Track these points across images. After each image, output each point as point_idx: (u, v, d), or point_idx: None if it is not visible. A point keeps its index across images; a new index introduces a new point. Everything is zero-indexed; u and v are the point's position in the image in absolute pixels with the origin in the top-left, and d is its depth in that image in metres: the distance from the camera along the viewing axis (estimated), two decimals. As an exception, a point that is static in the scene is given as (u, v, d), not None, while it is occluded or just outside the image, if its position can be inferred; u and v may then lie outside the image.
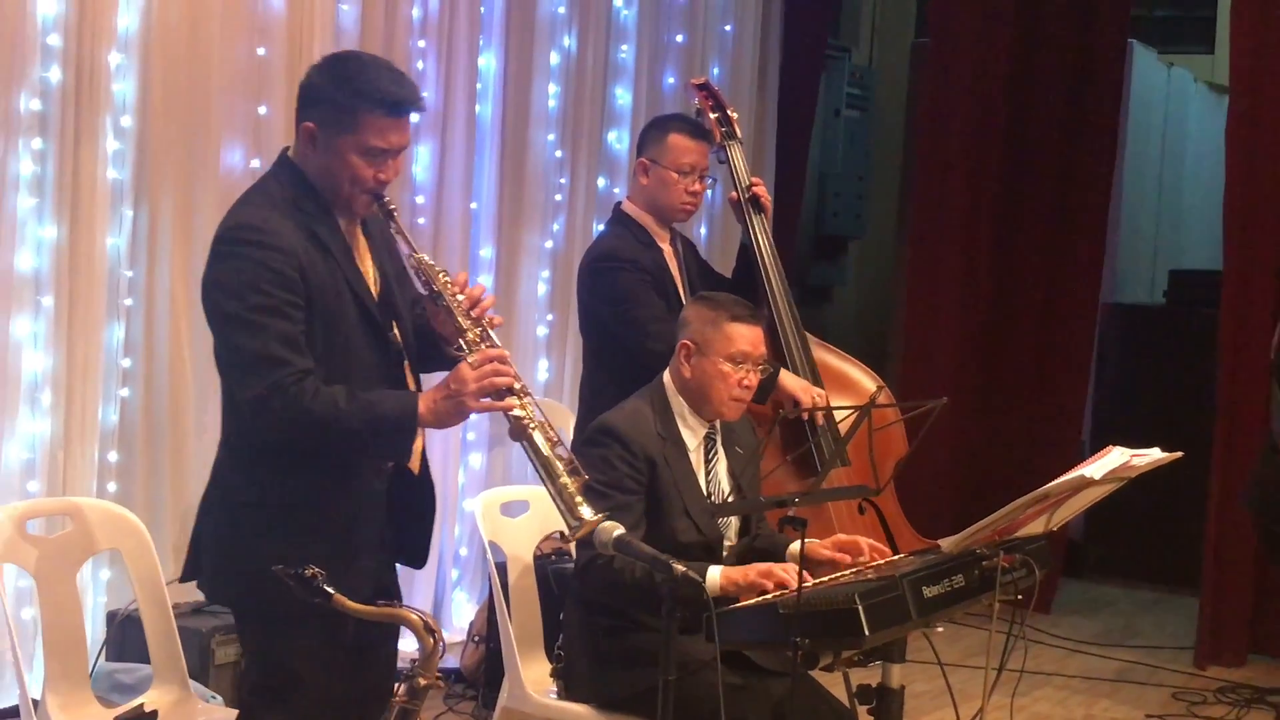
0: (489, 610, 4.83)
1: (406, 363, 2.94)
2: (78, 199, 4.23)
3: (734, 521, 3.52)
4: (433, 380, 2.86)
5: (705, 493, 3.46)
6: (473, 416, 2.87)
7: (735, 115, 4.45)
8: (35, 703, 3.26)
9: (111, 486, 4.39)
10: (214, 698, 3.86)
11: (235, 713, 3.52)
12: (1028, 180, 7.02)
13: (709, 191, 4.30)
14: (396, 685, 2.75)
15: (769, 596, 3.06)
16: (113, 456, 4.42)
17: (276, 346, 2.68)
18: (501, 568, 3.83)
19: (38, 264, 4.19)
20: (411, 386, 2.94)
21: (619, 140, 6.36)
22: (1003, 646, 3.27)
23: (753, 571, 3.18)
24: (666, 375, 3.51)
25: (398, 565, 3.06)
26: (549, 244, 6.06)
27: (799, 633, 2.82)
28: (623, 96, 6.37)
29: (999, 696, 3.50)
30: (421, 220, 5.43)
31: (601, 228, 4.79)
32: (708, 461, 3.50)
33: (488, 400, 2.72)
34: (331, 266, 2.80)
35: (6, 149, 4.08)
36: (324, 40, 4.88)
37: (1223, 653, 6.03)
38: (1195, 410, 6.72)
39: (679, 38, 6.62)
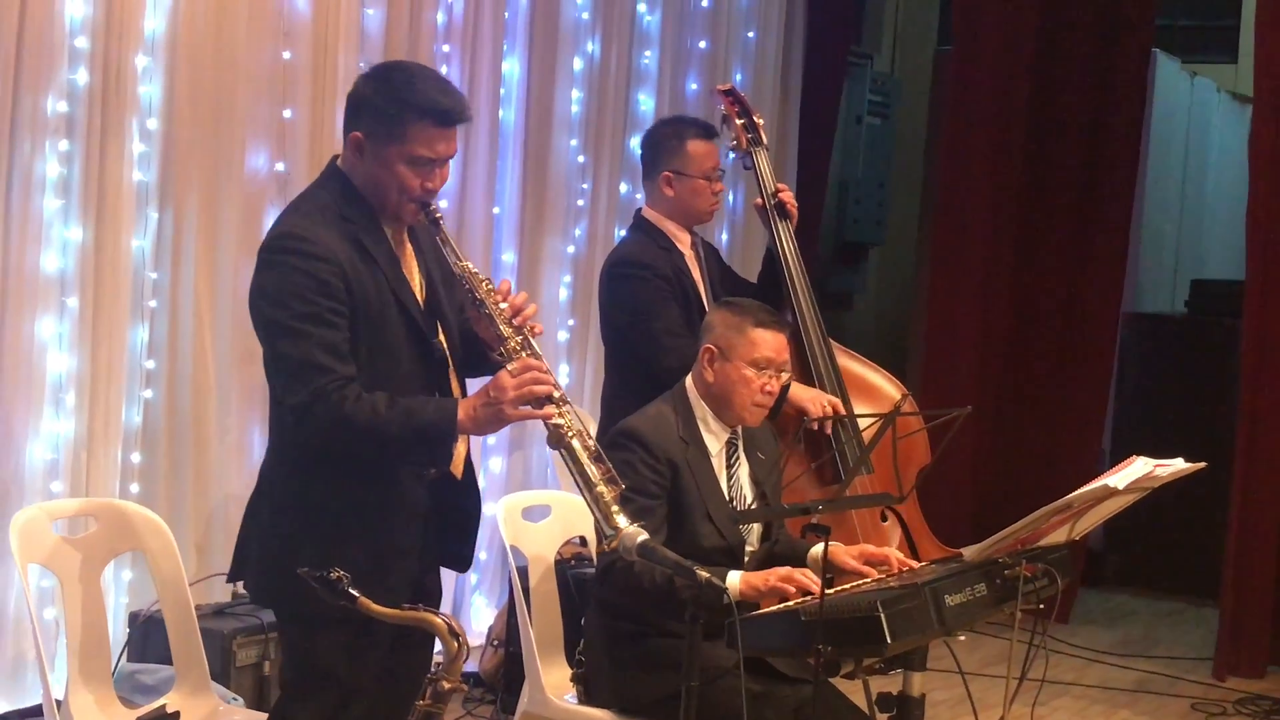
0: (508, 614, 4.83)
1: (451, 369, 2.97)
2: (103, 201, 4.25)
3: (756, 527, 3.52)
4: (477, 385, 2.89)
5: (727, 497, 3.46)
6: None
7: (761, 121, 4.45)
8: (58, 703, 3.27)
9: (134, 487, 4.41)
10: (235, 699, 3.87)
11: (256, 714, 3.55)
12: (1049, 189, 7.01)
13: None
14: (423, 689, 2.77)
15: (791, 604, 3.05)
16: (136, 457, 4.43)
17: (319, 354, 2.72)
18: (523, 572, 3.83)
19: (63, 265, 4.21)
20: (456, 392, 2.97)
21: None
22: (1024, 656, 3.26)
23: (773, 576, 3.18)
24: (689, 380, 3.51)
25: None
26: (571, 249, 6.06)
27: (821, 640, 2.81)
28: (645, 102, 6.37)
29: (1018, 706, 3.49)
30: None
31: (623, 233, 4.80)
32: (729, 466, 3.50)
33: (527, 408, 2.76)
34: (377, 275, 2.84)
35: (33, 150, 4.10)
36: (348, 44, 4.90)
37: (1242, 664, 6.01)
38: (1216, 420, 6.70)
39: (702, 44, 6.62)
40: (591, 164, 6.13)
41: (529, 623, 3.73)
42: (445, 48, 5.37)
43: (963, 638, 3.13)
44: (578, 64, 6.01)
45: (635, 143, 6.35)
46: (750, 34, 6.87)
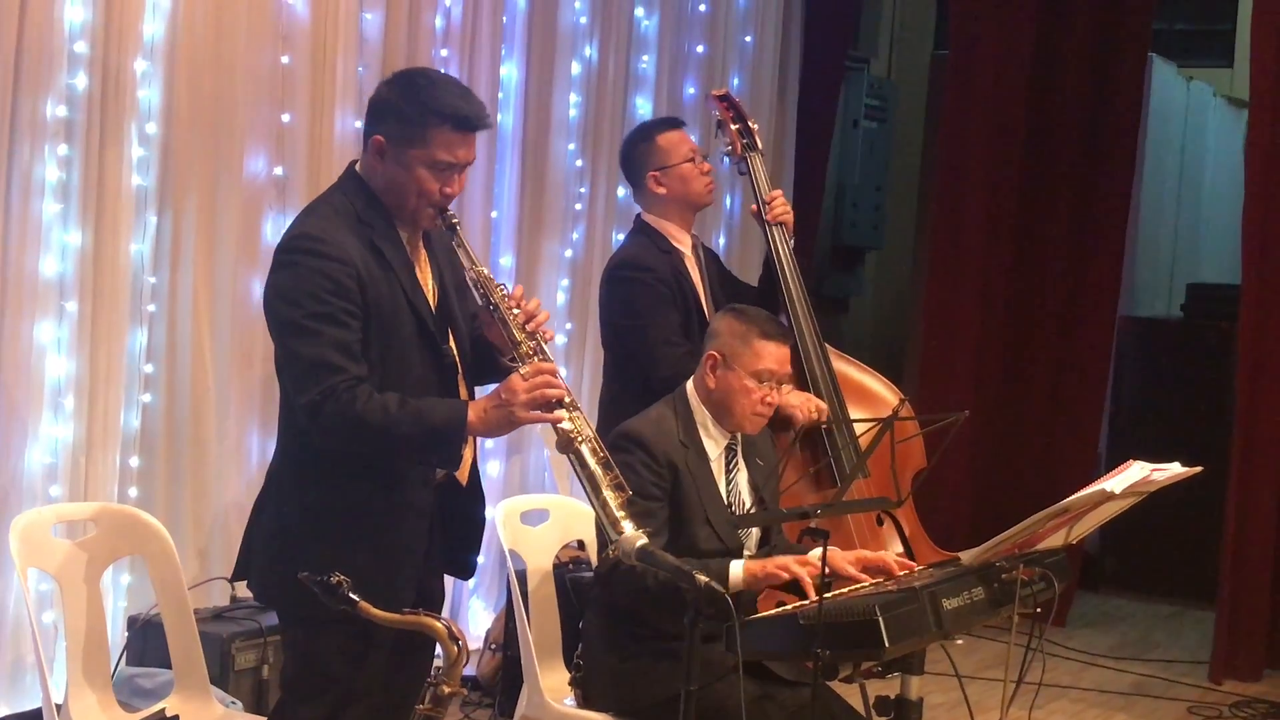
0: (506, 618, 4.84)
1: (461, 374, 2.99)
2: (102, 205, 4.26)
3: (754, 532, 3.53)
4: (486, 391, 2.92)
5: (726, 502, 3.47)
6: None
7: (756, 126, 4.45)
8: (58, 706, 3.28)
9: (133, 491, 4.41)
10: (234, 703, 3.87)
11: (255, 718, 3.56)
12: (1046, 193, 7.03)
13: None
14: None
15: (790, 607, 3.07)
16: (134, 461, 4.44)
17: (332, 353, 2.75)
18: (521, 576, 3.84)
19: (62, 269, 4.21)
20: (465, 398, 2.99)
21: (639, 150, 6.36)
22: (1021, 659, 3.27)
23: (771, 564, 3.25)
24: (690, 384, 3.52)
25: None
26: (569, 253, 6.07)
27: (819, 644, 2.82)
28: (643, 106, 6.38)
29: (1015, 709, 3.50)
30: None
31: (621, 237, 4.81)
32: (728, 471, 3.51)
33: (538, 412, 2.77)
34: (390, 279, 2.86)
35: (33, 155, 4.11)
36: (347, 49, 4.91)
37: (1239, 667, 6.02)
38: (1212, 423, 6.72)
39: (699, 48, 6.63)
40: (589, 168, 6.14)
41: (527, 626, 3.73)
42: (444, 52, 5.38)
43: (960, 641, 3.15)
44: (576, 68, 6.02)
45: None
46: (748, 38, 6.89)
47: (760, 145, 4.43)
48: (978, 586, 3.08)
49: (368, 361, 2.81)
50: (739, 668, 2.83)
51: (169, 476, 4.54)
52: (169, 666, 3.50)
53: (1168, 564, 7.38)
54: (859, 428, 4.07)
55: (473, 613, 5.70)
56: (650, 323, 4.07)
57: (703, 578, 2.63)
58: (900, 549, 4.21)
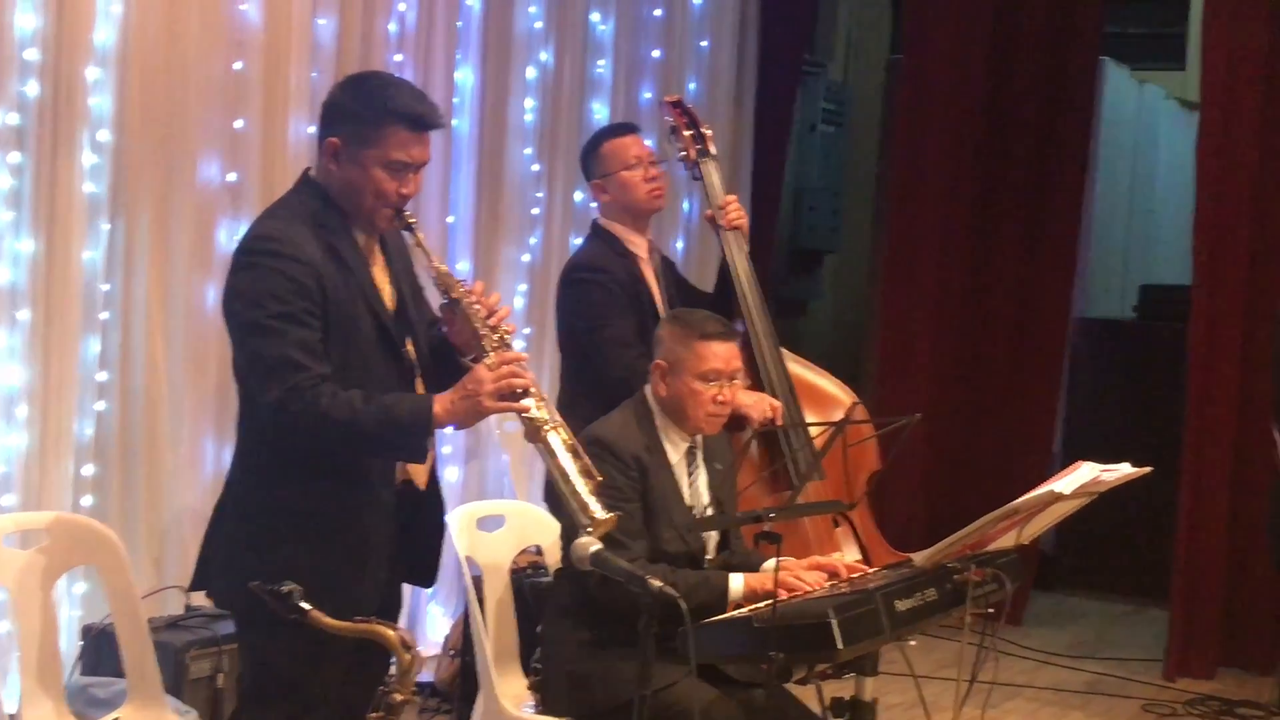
0: (464, 624, 4.83)
1: (419, 377, 2.99)
2: (54, 213, 4.23)
3: (713, 536, 3.55)
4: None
5: (688, 505, 3.49)
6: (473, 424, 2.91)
7: (709, 133, 4.46)
8: (11, 716, 3.25)
9: (87, 500, 4.38)
10: (189, 712, 3.85)
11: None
12: (1001, 195, 7.08)
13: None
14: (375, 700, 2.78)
15: (744, 610, 3.08)
16: (88, 470, 4.41)
17: (294, 352, 2.74)
18: (478, 581, 3.84)
19: (14, 277, 4.19)
20: None
21: (595, 155, 6.36)
22: (974, 659, 3.30)
23: (768, 578, 3.24)
24: (648, 389, 3.54)
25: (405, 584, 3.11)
26: (526, 258, 6.07)
27: (773, 646, 2.84)
28: (600, 111, 6.39)
29: (970, 708, 3.52)
30: (399, 234, 5.43)
31: (579, 242, 4.82)
32: (689, 475, 3.53)
33: (505, 401, 2.78)
34: (349, 280, 2.87)
35: (-17, 163, 4.09)
36: (300, 55, 4.90)
37: (1193, 665, 6.07)
38: (1165, 423, 6.77)
39: (656, 53, 6.64)
40: (546, 173, 6.14)
41: (484, 632, 3.73)
42: (398, 57, 5.37)
43: (914, 642, 3.17)
44: (531, 73, 6.02)
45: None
46: (704, 43, 6.90)
47: (714, 151, 4.44)
48: (930, 588, 3.11)
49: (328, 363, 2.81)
50: (693, 668, 2.84)
51: (123, 485, 4.51)
52: (123, 676, 3.47)
53: (1123, 563, 7.43)
54: (814, 430, 4.09)
55: (431, 619, 5.69)
56: (605, 324, 4.08)
57: (656, 582, 2.64)
58: (856, 551, 4.24)
